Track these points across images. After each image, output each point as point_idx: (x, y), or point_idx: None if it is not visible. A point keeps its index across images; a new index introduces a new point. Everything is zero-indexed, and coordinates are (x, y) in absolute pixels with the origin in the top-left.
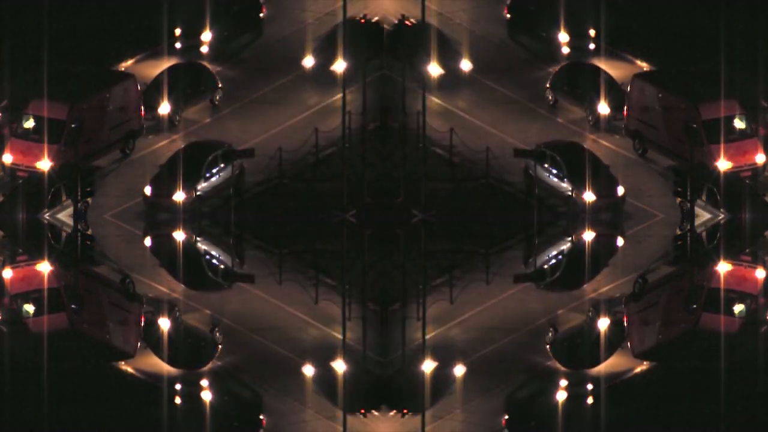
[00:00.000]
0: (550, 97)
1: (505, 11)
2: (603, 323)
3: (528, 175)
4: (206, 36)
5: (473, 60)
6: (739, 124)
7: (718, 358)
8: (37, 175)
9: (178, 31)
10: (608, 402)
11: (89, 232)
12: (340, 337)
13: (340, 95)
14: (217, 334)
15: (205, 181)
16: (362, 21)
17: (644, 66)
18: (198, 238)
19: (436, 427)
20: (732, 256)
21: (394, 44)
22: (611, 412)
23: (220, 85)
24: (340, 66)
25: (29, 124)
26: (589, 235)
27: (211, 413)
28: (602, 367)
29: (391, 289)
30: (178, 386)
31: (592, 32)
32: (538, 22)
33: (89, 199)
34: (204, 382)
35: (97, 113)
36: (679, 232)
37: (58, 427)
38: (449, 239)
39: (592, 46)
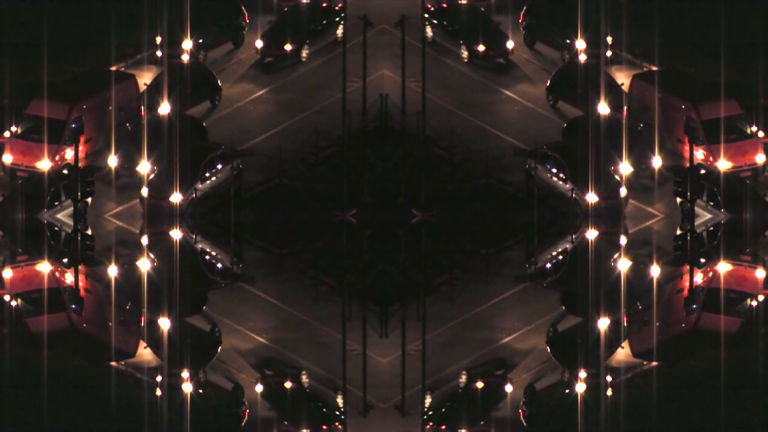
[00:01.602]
0: (550, 98)
1: (521, 18)
2: (602, 323)
3: (528, 175)
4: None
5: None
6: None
7: (718, 358)
8: (37, 175)
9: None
10: (606, 402)
11: (89, 232)
12: (339, 337)
13: (339, 95)
14: (217, 333)
15: (204, 182)
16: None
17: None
18: (197, 238)
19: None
20: (732, 256)
21: None
22: (611, 412)
23: (220, 85)
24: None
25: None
26: (590, 235)
27: (210, 413)
28: (601, 367)
29: (391, 289)
30: (176, 386)
31: (609, 39)
32: (554, 29)
33: (89, 199)
34: (204, 382)
35: (97, 113)
36: (679, 232)
37: (58, 427)
38: (449, 239)
39: (608, 53)
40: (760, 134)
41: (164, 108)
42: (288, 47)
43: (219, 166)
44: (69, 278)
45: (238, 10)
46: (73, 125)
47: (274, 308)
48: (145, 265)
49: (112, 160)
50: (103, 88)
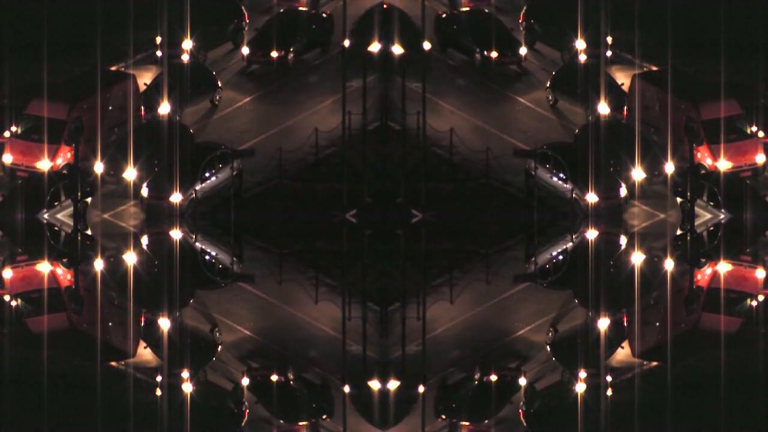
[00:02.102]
0: (550, 98)
1: (521, 19)
2: (603, 323)
3: (528, 175)
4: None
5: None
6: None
7: (718, 359)
8: (37, 175)
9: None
10: (606, 402)
11: (89, 231)
12: (339, 336)
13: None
14: (217, 333)
15: (204, 182)
16: None
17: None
18: (197, 238)
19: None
20: (732, 256)
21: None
22: (611, 412)
23: (219, 85)
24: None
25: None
26: (590, 235)
27: (210, 413)
28: (602, 367)
29: (391, 289)
30: (176, 386)
31: (609, 39)
32: (554, 29)
33: (88, 200)
34: (204, 382)
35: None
36: (679, 231)
37: (58, 427)
38: (449, 239)
39: (608, 53)
40: (760, 134)
41: (164, 108)
42: (274, 54)
43: (219, 166)
44: (69, 278)
45: (238, 10)
46: (73, 125)
47: (274, 308)
48: (144, 265)
49: (99, 166)
50: (103, 88)
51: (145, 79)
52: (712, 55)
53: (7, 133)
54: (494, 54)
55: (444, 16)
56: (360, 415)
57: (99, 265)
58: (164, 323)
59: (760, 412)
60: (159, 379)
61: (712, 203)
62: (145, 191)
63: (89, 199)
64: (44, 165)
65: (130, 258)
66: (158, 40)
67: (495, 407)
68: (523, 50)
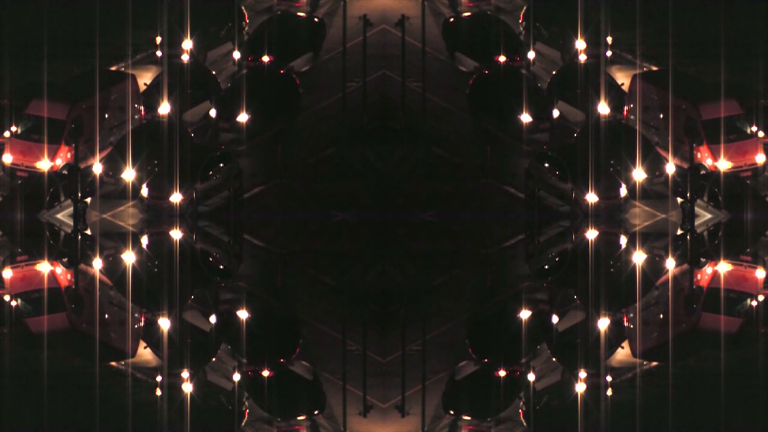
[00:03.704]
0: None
1: (521, 19)
2: (602, 323)
3: (528, 175)
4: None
5: None
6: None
7: (718, 359)
8: (37, 175)
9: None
10: (606, 402)
11: (88, 231)
12: (339, 337)
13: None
14: (216, 333)
15: (204, 182)
16: None
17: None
18: (197, 238)
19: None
20: (732, 256)
21: None
22: (611, 412)
23: (221, 85)
24: None
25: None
26: (590, 235)
27: (210, 413)
28: (602, 367)
29: (391, 289)
30: (176, 386)
31: (609, 39)
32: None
33: (88, 200)
34: (204, 382)
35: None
36: (679, 231)
37: (58, 428)
38: (449, 239)
39: (609, 53)
40: (760, 134)
41: (164, 108)
42: (266, 59)
43: (219, 166)
44: (69, 278)
45: (239, 10)
46: (73, 125)
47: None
48: (144, 265)
49: (97, 167)
50: (103, 88)
51: (145, 79)
52: (712, 55)
53: (7, 133)
54: (502, 59)
55: (452, 20)
56: (360, 416)
57: (98, 264)
58: (164, 323)
59: (760, 412)
60: (159, 379)
61: (712, 203)
62: (144, 191)
63: (89, 200)
64: (44, 165)
65: (130, 258)
66: (158, 40)
67: (498, 406)
68: (531, 54)
